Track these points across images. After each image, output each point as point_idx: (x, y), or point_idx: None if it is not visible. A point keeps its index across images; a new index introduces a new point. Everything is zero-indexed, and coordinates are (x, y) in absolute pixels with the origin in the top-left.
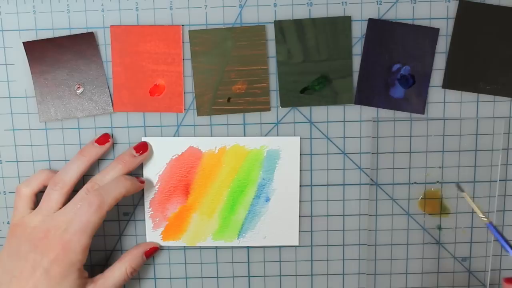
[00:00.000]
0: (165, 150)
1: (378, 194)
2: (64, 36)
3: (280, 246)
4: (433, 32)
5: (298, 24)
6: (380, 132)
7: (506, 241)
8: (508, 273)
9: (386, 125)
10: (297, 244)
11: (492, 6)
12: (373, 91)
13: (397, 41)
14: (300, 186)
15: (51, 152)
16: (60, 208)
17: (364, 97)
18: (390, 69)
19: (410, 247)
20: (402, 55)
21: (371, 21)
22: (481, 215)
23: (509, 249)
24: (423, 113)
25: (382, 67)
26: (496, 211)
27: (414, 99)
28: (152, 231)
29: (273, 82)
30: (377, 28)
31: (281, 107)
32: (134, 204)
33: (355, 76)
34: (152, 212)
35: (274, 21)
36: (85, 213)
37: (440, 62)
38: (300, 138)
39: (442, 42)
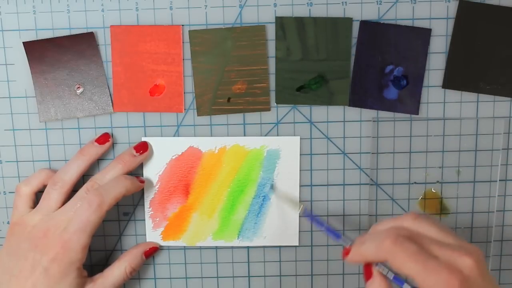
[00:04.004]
0: (165, 150)
1: (378, 194)
2: (64, 36)
3: (280, 246)
4: (425, 33)
5: (299, 21)
6: (380, 132)
7: (322, 223)
8: (508, 273)
9: (386, 125)
10: (297, 244)
11: (492, 6)
12: (367, 92)
13: (389, 43)
14: (300, 186)
15: (51, 152)
16: (60, 207)
17: (357, 99)
18: (383, 70)
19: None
20: (394, 56)
21: (362, 23)
22: (296, 208)
23: (330, 232)
24: (417, 114)
25: (375, 69)
26: (496, 211)
27: (408, 100)
28: (152, 231)
29: (273, 82)
30: (369, 30)
31: (276, 103)
32: (134, 204)
33: None
34: (152, 212)
35: (276, 17)
36: (85, 212)
37: (439, 62)
38: (300, 138)
39: (441, 42)
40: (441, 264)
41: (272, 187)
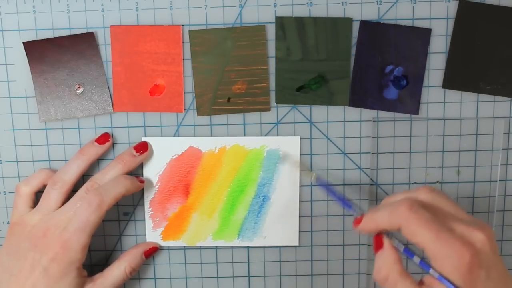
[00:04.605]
0: (165, 150)
1: (378, 194)
2: (64, 36)
3: (280, 246)
4: (425, 33)
5: (299, 21)
6: (380, 132)
7: (334, 192)
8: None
9: (386, 125)
10: (297, 244)
11: (492, 6)
12: (367, 92)
13: (389, 43)
14: (300, 186)
15: (51, 152)
16: (60, 207)
17: (357, 99)
18: (383, 70)
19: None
20: (394, 56)
21: (362, 23)
22: (309, 176)
23: (338, 199)
24: (417, 114)
25: (375, 69)
26: (496, 211)
27: (408, 100)
28: (152, 231)
29: (273, 82)
30: (369, 30)
31: (276, 103)
32: (134, 204)
33: None
34: (152, 212)
35: (276, 17)
36: (85, 212)
37: (439, 62)
38: (300, 138)
39: (441, 42)
40: (454, 236)
41: (282, 156)
